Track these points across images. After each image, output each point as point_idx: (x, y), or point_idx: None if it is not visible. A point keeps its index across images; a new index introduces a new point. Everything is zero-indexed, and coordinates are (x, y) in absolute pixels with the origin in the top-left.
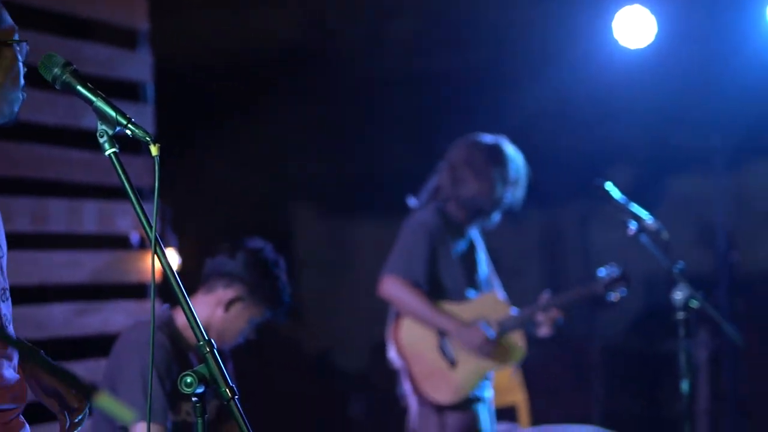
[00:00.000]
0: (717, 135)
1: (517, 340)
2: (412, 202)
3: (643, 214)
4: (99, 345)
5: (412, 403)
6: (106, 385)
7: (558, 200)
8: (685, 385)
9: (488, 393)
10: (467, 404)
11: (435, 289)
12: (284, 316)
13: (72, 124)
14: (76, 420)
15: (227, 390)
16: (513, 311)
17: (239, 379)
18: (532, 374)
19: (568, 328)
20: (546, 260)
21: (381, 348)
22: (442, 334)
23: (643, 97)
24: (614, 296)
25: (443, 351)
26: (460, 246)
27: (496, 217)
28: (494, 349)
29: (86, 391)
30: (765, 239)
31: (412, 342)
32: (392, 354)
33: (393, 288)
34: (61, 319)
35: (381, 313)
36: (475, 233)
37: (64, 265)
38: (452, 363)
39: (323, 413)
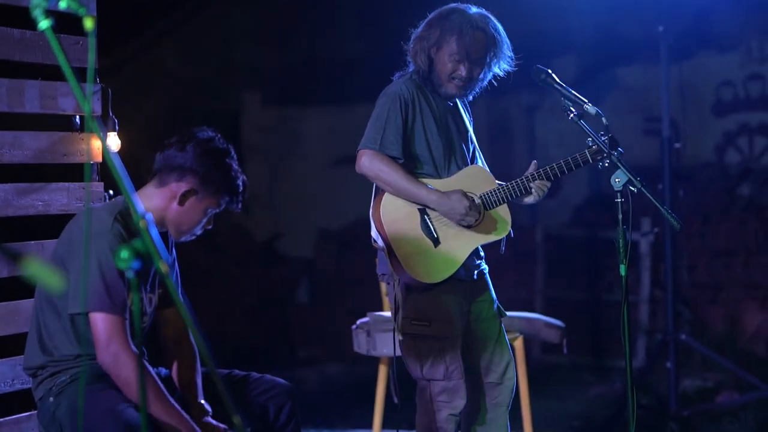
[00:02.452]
0: (663, 25)
1: (503, 213)
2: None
3: (583, 99)
4: (41, 226)
5: (393, 281)
6: (56, 263)
7: (504, 89)
8: (622, 269)
9: (484, 266)
10: (449, 285)
11: (413, 162)
12: (240, 206)
13: (12, 2)
14: None
15: (162, 264)
16: (499, 184)
17: (188, 267)
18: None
19: (511, 215)
20: (493, 148)
21: (326, 234)
22: (423, 211)
23: None
24: (604, 164)
25: (426, 229)
26: (441, 116)
27: (454, 90)
28: (479, 220)
29: (13, 257)
30: (708, 129)
31: (394, 220)
32: (373, 233)
33: (369, 163)
34: (2, 200)
35: (326, 200)
36: (462, 105)
37: (5, 145)
38: (435, 242)
39: (271, 299)
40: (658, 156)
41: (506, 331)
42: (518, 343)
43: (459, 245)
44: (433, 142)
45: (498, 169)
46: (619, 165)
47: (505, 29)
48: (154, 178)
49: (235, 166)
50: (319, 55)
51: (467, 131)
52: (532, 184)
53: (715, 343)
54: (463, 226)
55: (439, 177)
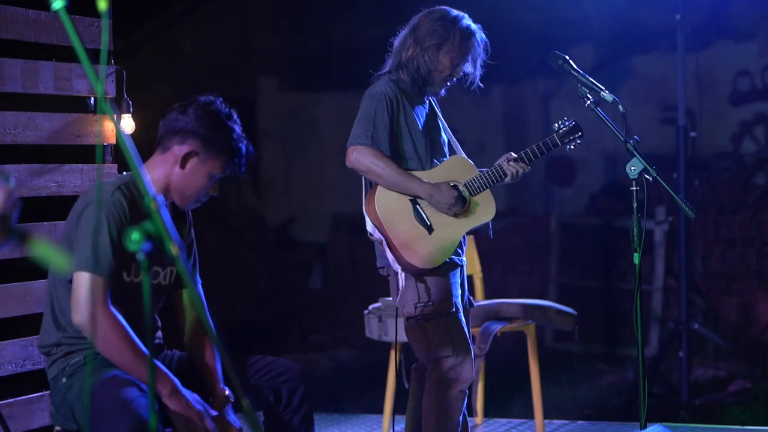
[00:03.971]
0: (680, 14)
1: (487, 198)
2: (375, 75)
3: (600, 86)
4: (55, 207)
5: (395, 271)
6: (64, 243)
7: (521, 76)
8: (636, 258)
9: (463, 258)
10: (444, 268)
11: (399, 158)
12: (243, 169)
13: None
14: None
15: (172, 246)
16: (480, 171)
17: (202, 251)
18: (490, 248)
19: (526, 203)
20: (509, 135)
21: (340, 220)
22: (414, 201)
23: None
24: (570, 147)
25: (419, 218)
26: (419, 113)
27: (440, 89)
28: (466, 208)
29: (20, 235)
30: (724, 119)
31: (388, 211)
32: (369, 227)
33: (361, 157)
34: (16, 180)
35: (340, 186)
36: (432, 100)
37: (19, 126)
38: (429, 229)
39: (284, 284)
40: (673, 145)
41: (519, 318)
42: (530, 330)
43: (451, 231)
44: (417, 138)
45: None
46: (635, 153)
47: (523, 17)
48: (158, 147)
49: (238, 129)
50: (335, 41)
51: (440, 125)
52: (506, 170)
53: (727, 333)
54: (450, 215)
55: (424, 170)
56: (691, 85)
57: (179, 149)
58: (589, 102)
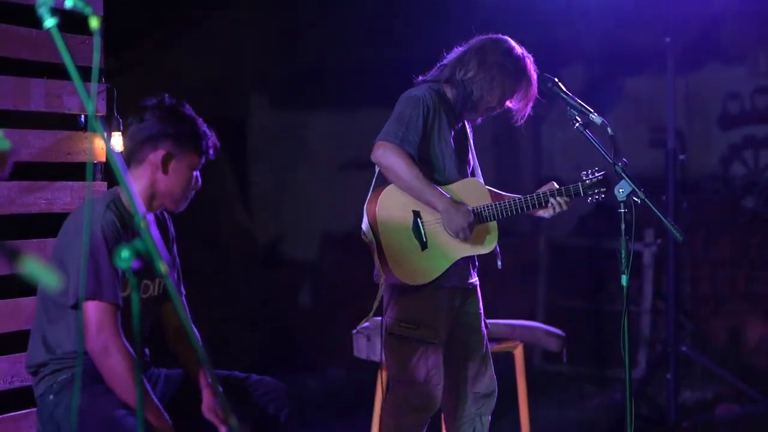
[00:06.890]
0: (670, 36)
1: (491, 229)
2: (418, 79)
3: (589, 109)
4: (44, 224)
5: (381, 278)
6: (55, 263)
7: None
8: (623, 279)
9: (476, 278)
10: (432, 291)
11: (424, 165)
12: (212, 152)
13: (19, 0)
14: None
15: (162, 264)
16: (495, 193)
17: (193, 270)
18: (479, 269)
19: (514, 223)
20: (499, 156)
21: (330, 239)
22: (417, 214)
23: None
24: (593, 199)
25: (416, 231)
26: (453, 128)
27: (479, 117)
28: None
29: (11, 255)
30: (714, 141)
31: (387, 216)
32: (365, 226)
33: (386, 154)
34: (6, 197)
35: (330, 205)
36: (466, 123)
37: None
38: (423, 245)
39: (274, 303)
40: (662, 167)
41: (506, 339)
42: (518, 351)
43: (444, 253)
44: (446, 150)
45: (503, 179)
46: (623, 176)
47: (514, 38)
48: (132, 162)
49: (193, 113)
50: (327, 61)
51: (468, 148)
52: (552, 202)
53: (715, 356)
54: (454, 238)
55: (443, 184)
56: (681, 108)
57: (154, 156)
58: (578, 124)
